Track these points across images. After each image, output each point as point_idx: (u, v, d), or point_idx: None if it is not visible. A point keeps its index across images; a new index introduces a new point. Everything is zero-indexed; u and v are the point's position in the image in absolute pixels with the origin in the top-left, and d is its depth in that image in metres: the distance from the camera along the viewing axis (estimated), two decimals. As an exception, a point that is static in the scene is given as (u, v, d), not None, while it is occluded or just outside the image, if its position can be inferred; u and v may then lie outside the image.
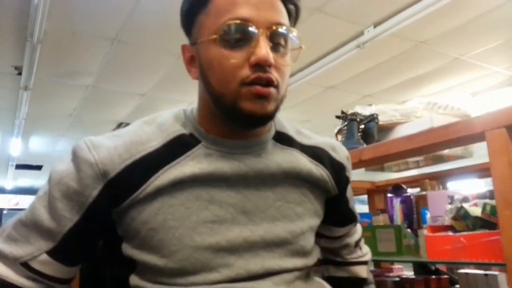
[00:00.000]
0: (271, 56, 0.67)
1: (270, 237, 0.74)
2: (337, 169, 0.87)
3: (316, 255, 0.84)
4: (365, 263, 1.01)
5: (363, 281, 0.98)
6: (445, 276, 1.51)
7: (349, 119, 1.61)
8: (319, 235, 0.91)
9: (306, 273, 0.81)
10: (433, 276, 1.49)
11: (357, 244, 1.00)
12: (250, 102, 0.68)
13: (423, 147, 1.24)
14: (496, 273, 1.30)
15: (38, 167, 8.43)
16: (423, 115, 1.50)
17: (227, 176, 0.73)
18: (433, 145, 1.22)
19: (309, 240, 0.81)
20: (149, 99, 4.73)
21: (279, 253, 0.75)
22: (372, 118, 1.57)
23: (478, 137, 1.08)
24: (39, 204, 0.72)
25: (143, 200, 0.69)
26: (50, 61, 3.71)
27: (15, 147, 6.26)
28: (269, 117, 0.71)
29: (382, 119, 1.58)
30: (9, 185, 10.22)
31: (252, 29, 0.67)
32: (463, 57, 3.87)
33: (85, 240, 0.73)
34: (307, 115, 5.47)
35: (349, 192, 0.94)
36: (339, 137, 1.64)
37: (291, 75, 4.12)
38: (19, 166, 8.07)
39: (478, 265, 1.33)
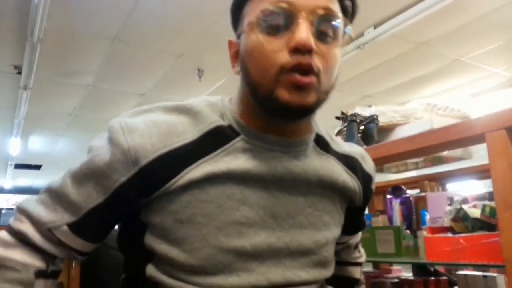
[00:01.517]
0: (312, 40, 0.62)
1: (295, 245, 0.72)
2: (366, 181, 0.85)
3: (333, 267, 0.82)
4: (360, 264, 1.01)
5: (356, 281, 0.99)
6: (444, 278, 1.51)
7: (349, 120, 1.60)
8: None
9: (322, 284, 0.80)
10: (432, 278, 1.49)
11: (356, 246, 1.01)
12: (287, 91, 0.63)
13: (423, 149, 1.24)
14: (495, 274, 1.30)
15: (37, 167, 8.43)
16: (423, 117, 1.50)
17: (263, 176, 0.69)
18: (433, 146, 1.22)
19: (331, 251, 0.79)
20: (148, 99, 4.73)
21: (301, 263, 0.73)
22: (372, 119, 1.57)
23: (478, 139, 1.08)
24: (69, 177, 0.71)
25: (174, 191, 0.67)
26: (50, 61, 3.71)
27: (14, 147, 6.26)
28: (308, 109, 0.66)
29: (382, 120, 1.58)
30: (8, 184, 10.22)
31: (293, 12, 0.63)
32: (463, 59, 3.87)
33: (107, 220, 0.72)
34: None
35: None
36: (339, 138, 1.64)
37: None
38: (18, 166, 8.07)
39: (477, 267, 1.33)
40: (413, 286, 1.47)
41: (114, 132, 0.68)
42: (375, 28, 3.26)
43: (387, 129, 1.59)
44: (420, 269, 1.61)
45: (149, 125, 0.68)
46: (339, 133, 1.66)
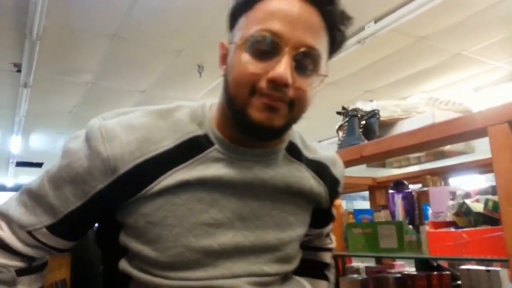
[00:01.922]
0: (289, 76, 0.66)
1: (260, 243, 0.77)
2: (333, 184, 0.91)
3: (297, 262, 0.88)
4: (330, 250, 1.09)
5: (326, 265, 1.07)
6: (447, 272, 1.50)
7: (350, 115, 1.60)
8: None
9: (286, 275, 0.85)
10: (435, 272, 1.48)
11: (328, 234, 1.09)
12: (258, 111, 0.68)
13: (425, 143, 1.23)
14: (498, 269, 1.29)
15: (39, 165, 8.43)
16: (425, 111, 1.49)
17: (234, 182, 0.74)
18: (435, 140, 1.21)
19: (295, 248, 0.85)
20: (148, 96, 4.73)
21: (265, 259, 0.78)
22: (374, 114, 1.56)
23: (481, 133, 1.07)
24: (46, 179, 0.73)
25: (148, 197, 0.71)
26: (49, 58, 3.70)
27: (16, 145, 6.27)
28: (276, 131, 0.71)
29: (384, 115, 1.57)
30: (9, 182, 10.23)
31: (278, 44, 0.67)
32: (464, 53, 3.86)
33: (84, 221, 0.75)
34: (308, 112, 5.44)
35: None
36: (340, 133, 1.63)
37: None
38: (19, 164, 8.08)
39: (480, 261, 1.32)
40: (416, 281, 1.47)
41: (94, 139, 0.70)
42: (375, 22, 3.25)
43: (389, 124, 1.58)
44: (422, 264, 1.61)
45: (127, 131, 0.71)
46: (340, 128, 1.65)
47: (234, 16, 0.75)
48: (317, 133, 6.32)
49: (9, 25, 3.17)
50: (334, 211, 1.04)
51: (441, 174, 1.82)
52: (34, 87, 4.21)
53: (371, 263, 1.86)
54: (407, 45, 3.65)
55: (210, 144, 0.75)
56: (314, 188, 0.85)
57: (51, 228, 0.72)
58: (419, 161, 1.75)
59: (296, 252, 0.86)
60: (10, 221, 0.74)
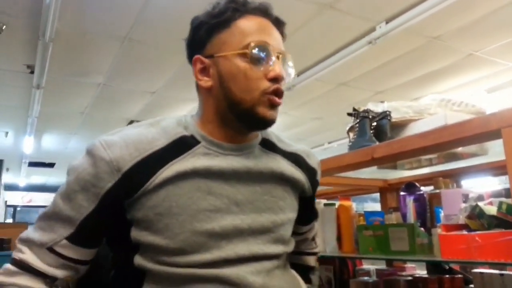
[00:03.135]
0: (284, 73, 0.86)
1: (256, 225, 0.87)
2: (311, 173, 1.02)
3: (292, 245, 0.98)
4: (315, 254, 1.19)
5: (311, 268, 1.17)
6: (459, 276, 1.49)
7: (361, 116, 1.59)
8: None
9: (283, 264, 0.94)
10: (447, 276, 1.46)
11: (313, 238, 1.18)
12: (266, 108, 0.84)
13: (437, 145, 1.22)
14: (512, 273, 1.28)
15: (51, 165, 8.54)
16: (437, 112, 1.48)
17: (223, 170, 0.85)
18: (447, 142, 1.20)
19: (288, 231, 0.95)
20: (159, 97, 4.75)
21: (262, 239, 0.88)
22: (385, 115, 1.55)
23: (494, 135, 1.06)
24: (59, 198, 0.83)
25: (152, 190, 0.81)
26: (61, 60, 3.74)
27: (28, 145, 6.35)
28: (274, 123, 0.87)
29: (395, 116, 1.56)
30: (22, 182, 10.37)
31: (270, 52, 0.85)
32: (477, 53, 3.81)
33: (99, 225, 0.83)
34: (318, 113, 5.44)
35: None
36: (351, 134, 1.62)
37: (301, 72, 4.10)
38: (32, 164, 8.19)
39: (493, 265, 1.30)
40: (427, 284, 1.45)
41: (96, 150, 0.81)
42: (387, 23, 3.22)
43: (400, 125, 1.57)
44: (434, 267, 1.59)
45: (123, 138, 0.83)
46: (351, 129, 1.64)
47: (208, 32, 0.88)
48: (327, 134, 6.30)
49: (22, 27, 3.22)
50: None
51: (454, 176, 1.80)
52: (47, 88, 4.26)
53: (382, 266, 1.85)
54: (419, 45, 3.62)
55: (197, 142, 0.87)
56: (294, 174, 0.96)
57: (71, 238, 0.80)
58: (430, 163, 1.73)
59: (289, 235, 0.96)
60: (30, 244, 0.82)
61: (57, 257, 0.81)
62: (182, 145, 0.85)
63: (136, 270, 0.83)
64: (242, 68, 0.84)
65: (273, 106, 0.85)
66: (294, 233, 1.04)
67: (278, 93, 0.85)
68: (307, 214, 1.08)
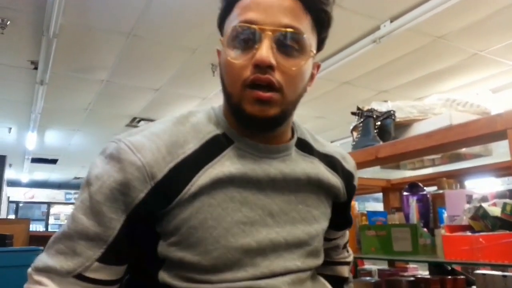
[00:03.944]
0: (271, 57, 0.68)
1: (292, 238, 0.78)
2: (347, 178, 0.92)
3: (323, 256, 0.89)
4: (348, 263, 1.07)
5: (345, 280, 1.05)
6: (462, 277, 1.48)
7: (365, 115, 1.58)
8: None
9: (314, 273, 0.86)
10: (449, 276, 1.46)
11: (345, 246, 1.06)
12: (250, 105, 0.70)
13: (442, 145, 1.22)
14: (515, 274, 1.27)
15: (54, 161, 8.56)
16: (442, 112, 1.47)
17: (259, 178, 0.75)
18: (452, 143, 1.19)
19: (321, 242, 0.86)
20: (163, 94, 4.75)
21: (297, 254, 0.79)
22: (389, 114, 1.54)
23: (500, 135, 1.05)
24: (79, 213, 0.69)
25: (187, 200, 0.70)
26: (65, 56, 3.74)
27: (31, 141, 6.36)
28: (273, 121, 0.72)
29: (399, 116, 1.55)
30: (25, 178, 10.40)
31: (255, 31, 0.69)
32: (482, 53, 3.79)
33: (133, 238, 0.71)
34: (321, 111, 5.43)
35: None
36: (355, 134, 1.62)
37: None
38: (34, 160, 8.20)
39: (496, 267, 1.30)
40: (429, 285, 1.45)
41: (123, 153, 0.69)
42: (391, 21, 3.21)
43: (405, 125, 1.56)
44: (436, 268, 1.58)
45: (152, 139, 0.71)
46: (354, 129, 1.64)
47: (221, 24, 0.78)
48: (331, 133, 6.29)
49: (26, 23, 3.22)
50: (351, 214, 1.02)
51: (457, 177, 1.79)
52: (50, 84, 4.27)
53: (384, 266, 1.84)
54: (424, 44, 3.60)
55: (230, 142, 0.76)
56: (330, 179, 0.86)
57: (103, 259, 0.68)
58: (433, 163, 1.72)
59: (321, 246, 0.87)
60: (51, 273, 0.68)
61: (86, 283, 0.68)
62: (216, 145, 0.75)
63: (161, 284, 0.73)
64: (229, 56, 0.71)
65: (260, 101, 0.69)
66: (326, 239, 0.97)
67: (258, 84, 0.69)
68: (340, 220, 0.97)
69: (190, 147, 0.73)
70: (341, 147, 0.97)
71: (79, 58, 3.85)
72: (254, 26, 0.69)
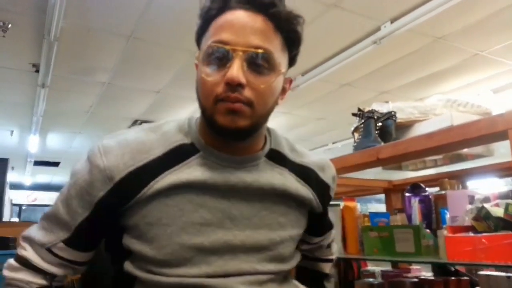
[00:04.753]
0: (241, 76, 0.73)
1: (251, 242, 0.82)
2: (322, 189, 0.95)
3: (294, 262, 0.92)
4: (330, 260, 1.14)
5: (325, 275, 1.12)
6: (465, 278, 1.47)
7: (366, 116, 1.58)
8: (300, 241, 0.98)
9: (282, 276, 0.89)
10: (453, 278, 1.45)
11: (329, 245, 1.13)
12: (222, 116, 0.75)
13: (443, 146, 1.22)
14: (518, 275, 1.26)
15: (56, 164, 8.56)
16: (443, 113, 1.47)
17: (218, 185, 0.81)
18: (453, 143, 1.19)
19: (288, 248, 0.88)
20: (163, 96, 4.76)
21: (257, 257, 0.83)
22: (390, 115, 1.54)
23: (501, 136, 1.05)
24: (59, 201, 0.84)
25: (144, 200, 0.79)
26: (67, 58, 3.75)
27: (33, 144, 6.37)
28: (243, 131, 0.77)
29: (400, 117, 1.55)
30: (27, 181, 10.41)
31: (228, 51, 0.74)
32: (483, 53, 3.79)
33: (94, 230, 0.84)
34: (322, 113, 5.43)
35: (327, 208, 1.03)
36: (356, 135, 1.62)
37: (305, 72, 4.09)
38: (37, 163, 8.21)
39: (500, 267, 1.29)
40: (433, 286, 1.44)
41: (93, 155, 0.80)
42: (392, 22, 3.21)
43: (406, 126, 1.56)
44: (440, 269, 1.58)
45: (122, 145, 0.80)
46: (355, 130, 1.64)
47: (198, 40, 0.83)
48: (331, 134, 6.28)
49: (28, 26, 3.23)
50: (329, 218, 1.07)
51: (459, 177, 1.79)
52: (52, 87, 4.28)
53: (387, 267, 1.84)
54: (424, 45, 3.60)
55: (196, 151, 0.82)
56: (299, 190, 0.89)
57: (67, 242, 0.82)
58: (435, 164, 1.72)
59: (291, 252, 0.90)
60: (32, 243, 0.84)
61: (54, 257, 0.83)
62: (179, 154, 0.81)
63: (127, 275, 0.83)
64: (203, 73, 0.76)
65: (230, 111, 0.74)
66: (307, 243, 1.03)
67: (230, 100, 0.74)
68: (319, 227, 1.03)
69: (154, 153, 0.80)
70: (325, 157, 1.00)
71: (80, 61, 3.85)
72: (226, 46, 0.74)
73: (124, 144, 0.80)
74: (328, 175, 0.96)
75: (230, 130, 0.75)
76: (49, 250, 0.83)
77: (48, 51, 3.47)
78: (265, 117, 0.80)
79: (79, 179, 0.81)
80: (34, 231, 0.86)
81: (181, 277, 0.78)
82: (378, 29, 3.31)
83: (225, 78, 0.73)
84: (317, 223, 0.99)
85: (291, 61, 0.85)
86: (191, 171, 0.80)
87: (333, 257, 1.15)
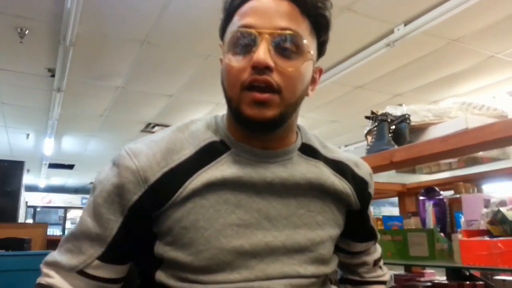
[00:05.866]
0: (268, 59, 0.69)
1: (291, 243, 0.77)
2: (360, 185, 0.88)
3: (334, 265, 0.87)
4: (383, 282, 1.00)
5: None
6: (480, 282, 1.46)
7: (379, 119, 1.57)
8: (338, 249, 0.93)
9: (322, 280, 0.84)
10: (467, 282, 1.44)
11: (376, 263, 1.00)
12: (248, 107, 0.71)
13: (458, 149, 1.20)
14: (535, 280, 1.24)
15: (70, 166, 8.68)
16: (458, 116, 1.45)
17: (254, 182, 0.76)
18: (468, 147, 1.18)
19: (328, 249, 0.83)
20: (176, 100, 4.79)
21: (298, 259, 0.78)
22: (404, 118, 1.53)
23: (517, 139, 1.04)
24: (85, 215, 0.76)
25: (179, 202, 0.74)
26: (82, 63, 3.81)
27: (48, 147, 6.47)
28: (271, 122, 0.73)
29: (414, 120, 1.53)
30: (42, 183, 10.56)
31: (253, 34, 0.71)
32: (498, 55, 3.74)
33: (131, 238, 0.76)
34: (335, 115, 5.41)
35: (369, 210, 0.96)
36: (369, 138, 1.61)
37: (319, 75, 4.08)
38: (52, 165, 8.33)
39: (516, 272, 1.27)
40: (447, 291, 1.43)
41: (121, 159, 0.75)
42: (405, 25, 3.19)
43: (420, 129, 1.54)
44: (454, 273, 1.56)
45: (150, 146, 0.76)
46: (369, 133, 1.63)
47: (223, 33, 0.79)
48: (344, 137, 6.26)
49: (44, 32, 3.28)
50: (374, 228, 0.97)
51: (474, 181, 1.77)
52: (67, 91, 4.34)
53: (400, 271, 1.82)
54: (439, 47, 3.57)
55: (227, 148, 0.78)
56: (336, 184, 0.83)
57: (103, 258, 0.74)
58: (450, 167, 1.70)
59: (331, 254, 0.84)
60: (58, 268, 0.75)
61: (88, 279, 0.74)
62: (211, 152, 0.77)
63: (158, 285, 0.76)
64: (228, 61, 0.73)
65: (257, 103, 0.70)
66: (350, 253, 0.95)
67: (257, 86, 0.70)
68: (359, 230, 0.94)
69: (186, 153, 0.76)
70: (355, 155, 0.94)
71: (95, 66, 3.91)
72: (251, 30, 0.71)
73: (153, 144, 0.76)
74: (363, 171, 0.90)
75: (257, 121, 0.71)
76: (81, 272, 0.73)
77: (63, 56, 3.52)
78: (293, 106, 0.75)
79: (106, 186, 0.74)
80: (57, 256, 0.76)
81: (220, 284, 0.73)
82: (392, 31, 3.29)
83: (251, 61, 0.69)
84: (356, 225, 0.91)
85: (320, 49, 0.81)
86: (224, 168, 0.76)
87: (385, 278, 1.01)
